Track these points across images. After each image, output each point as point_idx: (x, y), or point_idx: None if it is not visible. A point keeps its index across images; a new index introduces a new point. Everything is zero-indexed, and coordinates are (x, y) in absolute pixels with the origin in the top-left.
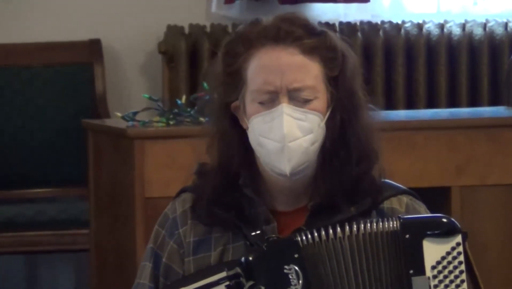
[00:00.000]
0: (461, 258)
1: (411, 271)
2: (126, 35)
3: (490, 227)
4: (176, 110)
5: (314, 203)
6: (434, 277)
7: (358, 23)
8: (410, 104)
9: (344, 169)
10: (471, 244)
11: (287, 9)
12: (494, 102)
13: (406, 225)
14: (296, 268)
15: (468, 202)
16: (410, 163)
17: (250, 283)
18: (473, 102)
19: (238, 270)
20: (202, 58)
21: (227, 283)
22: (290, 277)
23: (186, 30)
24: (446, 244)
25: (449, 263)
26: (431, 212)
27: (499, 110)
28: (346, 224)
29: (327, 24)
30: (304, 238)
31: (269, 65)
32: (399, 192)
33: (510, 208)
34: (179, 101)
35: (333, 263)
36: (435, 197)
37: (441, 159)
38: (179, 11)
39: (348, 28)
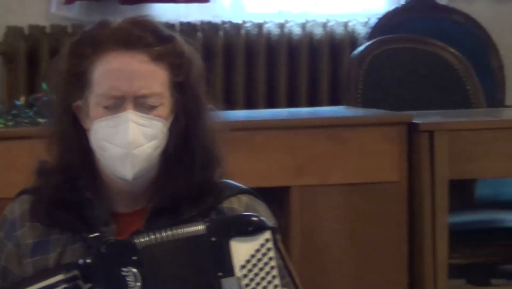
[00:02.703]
0: (271, 254)
1: (220, 274)
2: None
3: (330, 226)
4: (14, 111)
5: (154, 204)
6: (245, 276)
7: (198, 23)
8: (250, 104)
9: (187, 174)
10: (311, 243)
11: (128, 10)
12: (334, 102)
13: (212, 227)
14: (134, 270)
15: (308, 201)
16: (251, 163)
17: (88, 285)
18: (313, 102)
19: (76, 272)
20: (41, 59)
21: (65, 285)
22: (128, 279)
23: (26, 31)
24: (254, 242)
25: (259, 260)
26: (272, 211)
27: (339, 110)
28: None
29: (167, 24)
30: (142, 240)
31: (117, 70)
32: (238, 191)
33: (350, 207)
34: (17, 102)
35: (164, 266)
36: (275, 197)
37: (282, 159)
38: (18, 11)
39: (188, 28)
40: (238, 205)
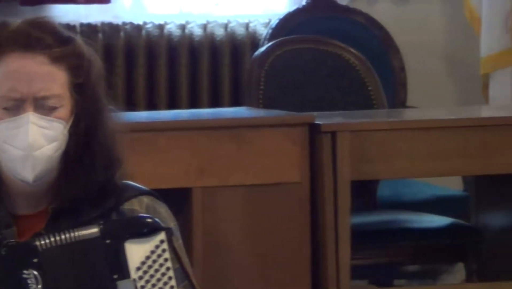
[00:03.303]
0: (166, 255)
1: (116, 276)
2: None
3: (232, 227)
4: None
5: (55, 206)
6: (140, 278)
7: (99, 25)
8: (152, 105)
9: (88, 175)
10: (213, 244)
11: (28, 10)
12: (235, 103)
13: (106, 230)
14: (35, 272)
15: (210, 202)
16: (152, 164)
17: None
18: (215, 103)
19: None
20: None
21: None
22: (29, 281)
23: None
24: (149, 243)
25: (154, 261)
26: (173, 213)
27: (241, 111)
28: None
29: (68, 25)
30: (42, 242)
31: (17, 72)
32: (139, 193)
33: (252, 208)
34: None
35: (63, 268)
36: (177, 198)
37: (183, 160)
38: None
39: (89, 30)
40: (139, 206)
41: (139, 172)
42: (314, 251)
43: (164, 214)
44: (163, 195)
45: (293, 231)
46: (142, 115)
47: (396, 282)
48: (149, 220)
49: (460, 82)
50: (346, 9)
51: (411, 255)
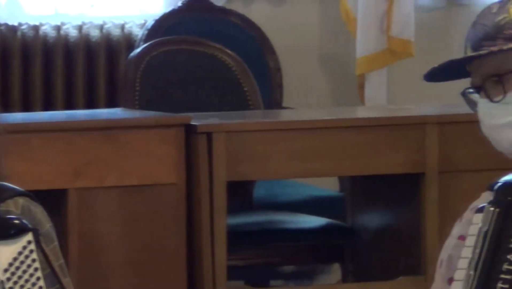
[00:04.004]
0: (34, 255)
1: None
2: None
3: (108, 228)
4: None
5: None
6: (8, 279)
7: None
8: (27, 107)
9: None
10: (89, 246)
11: None
12: (111, 104)
13: None
14: None
15: (86, 204)
16: (27, 165)
17: None
18: (90, 104)
19: None
20: None
21: None
22: None
23: None
24: (16, 245)
25: (22, 262)
26: (50, 214)
27: (116, 112)
28: None
29: None
30: None
31: None
32: (14, 194)
33: (128, 210)
34: None
35: None
36: (53, 199)
37: (59, 161)
38: None
39: None
40: (15, 207)
41: (14, 174)
42: (191, 251)
43: (39, 215)
44: (39, 196)
45: (169, 231)
46: (17, 117)
47: (272, 282)
48: (16, 221)
49: (336, 83)
50: (222, 10)
51: (287, 255)
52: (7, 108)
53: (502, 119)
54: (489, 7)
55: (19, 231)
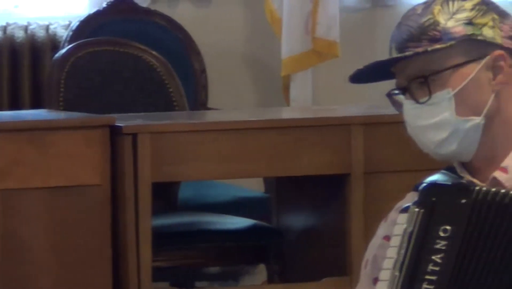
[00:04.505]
0: None
1: None
2: None
3: (32, 230)
4: None
5: None
6: None
7: None
8: None
9: None
10: (13, 248)
11: None
12: (36, 105)
13: None
14: None
15: (10, 205)
16: None
17: None
18: (15, 105)
19: None
20: None
21: None
22: None
23: None
24: None
25: None
26: None
27: (41, 113)
28: None
29: None
30: None
31: None
32: None
33: (52, 211)
34: None
35: None
36: None
37: None
38: None
39: None
40: None
41: None
42: (116, 252)
43: None
44: None
45: (94, 232)
46: None
47: (197, 283)
48: None
49: (261, 84)
50: (147, 11)
51: (212, 256)
52: None
53: (427, 121)
54: (413, 8)
55: None
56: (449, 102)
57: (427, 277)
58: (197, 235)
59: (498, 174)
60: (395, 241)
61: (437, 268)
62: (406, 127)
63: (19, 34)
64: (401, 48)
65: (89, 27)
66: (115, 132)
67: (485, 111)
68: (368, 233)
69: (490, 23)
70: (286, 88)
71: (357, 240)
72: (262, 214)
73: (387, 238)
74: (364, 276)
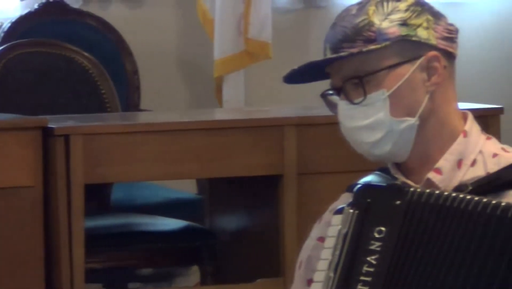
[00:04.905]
0: None
1: None
2: None
3: None
4: None
5: None
6: None
7: None
8: None
9: None
10: None
11: None
12: None
13: None
14: None
15: None
16: None
17: None
18: None
19: None
20: None
21: None
22: None
23: None
24: None
25: None
26: None
27: None
28: None
29: None
30: None
31: None
32: None
33: None
34: None
35: None
36: None
37: None
38: None
39: None
40: None
41: None
42: (48, 254)
43: None
44: None
45: (27, 234)
46: None
47: (130, 285)
48: None
49: (194, 85)
50: (79, 13)
51: (145, 258)
52: None
53: (362, 121)
54: (348, 9)
55: None
56: (383, 103)
57: (362, 278)
58: (130, 237)
59: (432, 175)
60: (330, 242)
61: (372, 269)
62: (341, 128)
63: None
64: (336, 48)
65: (20, 28)
66: (47, 133)
67: (419, 112)
68: (302, 234)
69: (425, 24)
70: (219, 90)
71: (291, 241)
72: (195, 215)
73: (322, 239)
74: (298, 277)
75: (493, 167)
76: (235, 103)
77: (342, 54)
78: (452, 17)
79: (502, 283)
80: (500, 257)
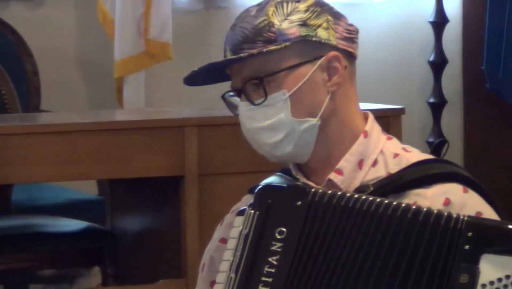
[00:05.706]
0: None
1: None
2: None
3: None
4: None
5: None
6: None
7: None
8: None
9: None
10: None
11: None
12: None
13: None
14: None
15: None
16: None
17: None
18: None
19: None
20: None
21: None
22: None
23: None
24: None
25: None
26: None
27: None
28: None
29: None
30: None
31: None
32: None
33: None
34: None
35: None
36: None
37: None
38: None
39: None
40: None
41: None
42: None
43: None
44: None
45: None
46: None
47: (32, 287)
48: None
49: (95, 86)
50: None
51: (47, 259)
52: None
53: (263, 122)
54: (248, 10)
55: None
56: (284, 104)
57: (263, 278)
58: (31, 238)
59: (333, 176)
60: (232, 243)
61: (273, 270)
62: (242, 129)
63: None
64: (236, 50)
65: None
66: None
67: (321, 112)
68: (203, 235)
69: (325, 25)
70: (119, 90)
71: (192, 242)
72: (96, 217)
73: (224, 240)
74: (200, 280)
75: (394, 167)
76: (135, 104)
77: (242, 55)
78: (352, 18)
79: (401, 283)
80: (401, 258)
